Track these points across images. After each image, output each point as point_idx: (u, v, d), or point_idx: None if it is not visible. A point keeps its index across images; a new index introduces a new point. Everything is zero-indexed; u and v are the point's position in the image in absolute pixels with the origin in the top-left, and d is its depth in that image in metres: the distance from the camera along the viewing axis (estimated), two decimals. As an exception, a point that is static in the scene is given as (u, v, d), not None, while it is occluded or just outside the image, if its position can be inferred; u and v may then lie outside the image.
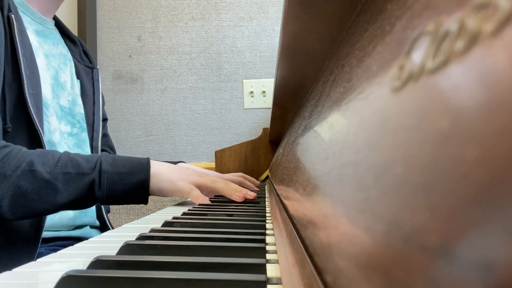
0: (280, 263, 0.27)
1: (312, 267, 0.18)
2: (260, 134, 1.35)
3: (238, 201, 0.68)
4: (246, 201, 0.70)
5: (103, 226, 0.89)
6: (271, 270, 0.27)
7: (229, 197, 0.69)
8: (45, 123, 0.75)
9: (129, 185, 0.64)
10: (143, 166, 0.66)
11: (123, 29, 1.53)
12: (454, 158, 0.08)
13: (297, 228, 0.27)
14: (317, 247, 0.18)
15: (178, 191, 0.67)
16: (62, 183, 0.60)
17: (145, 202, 0.68)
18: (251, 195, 0.69)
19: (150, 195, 0.67)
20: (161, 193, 0.68)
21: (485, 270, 0.07)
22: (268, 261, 0.29)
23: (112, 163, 0.64)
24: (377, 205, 0.12)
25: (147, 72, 1.53)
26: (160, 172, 0.67)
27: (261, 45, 1.52)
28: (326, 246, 0.16)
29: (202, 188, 0.69)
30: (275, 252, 0.32)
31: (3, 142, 0.60)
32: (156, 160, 0.70)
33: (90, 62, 0.99)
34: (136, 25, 1.53)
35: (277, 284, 0.25)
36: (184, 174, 0.69)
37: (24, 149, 0.61)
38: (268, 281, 0.24)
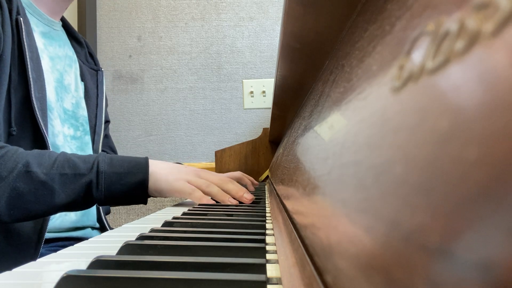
0: (280, 263, 0.27)
1: (312, 267, 0.18)
2: (260, 134, 1.34)
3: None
4: None
5: (102, 228, 0.89)
6: (271, 270, 0.27)
7: (221, 202, 0.66)
8: (49, 126, 0.74)
9: (127, 186, 0.63)
10: (142, 166, 0.65)
11: (123, 29, 1.53)
12: (454, 158, 0.08)
13: (297, 228, 0.27)
14: (317, 247, 0.18)
15: (176, 192, 0.66)
16: (59, 184, 0.59)
17: (145, 202, 0.67)
18: (247, 197, 0.66)
19: (149, 196, 0.66)
20: (160, 194, 0.66)
21: (485, 270, 0.07)
22: (268, 261, 0.29)
23: (110, 163, 0.63)
24: (377, 205, 0.12)
25: (147, 72, 1.53)
26: (157, 172, 0.65)
27: (261, 45, 1.52)
28: (326, 246, 0.16)
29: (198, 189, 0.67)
30: (275, 252, 0.32)
31: (0, 143, 0.59)
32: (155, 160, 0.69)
33: (95, 64, 0.98)
34: (136, 25, 1.53)
35: (277, 284, 0.25)
36: (183, 173, 0.67)
37: (21, 149, 0.60)
38: (268, 281, 0.24)
